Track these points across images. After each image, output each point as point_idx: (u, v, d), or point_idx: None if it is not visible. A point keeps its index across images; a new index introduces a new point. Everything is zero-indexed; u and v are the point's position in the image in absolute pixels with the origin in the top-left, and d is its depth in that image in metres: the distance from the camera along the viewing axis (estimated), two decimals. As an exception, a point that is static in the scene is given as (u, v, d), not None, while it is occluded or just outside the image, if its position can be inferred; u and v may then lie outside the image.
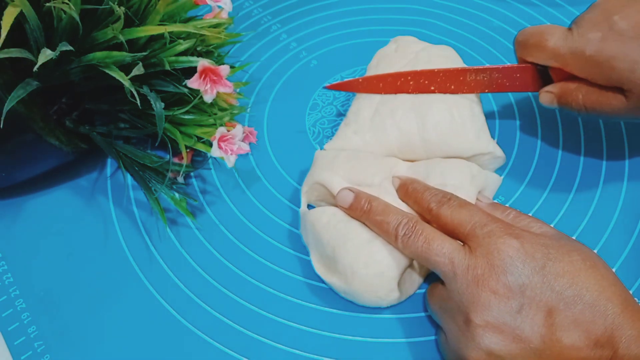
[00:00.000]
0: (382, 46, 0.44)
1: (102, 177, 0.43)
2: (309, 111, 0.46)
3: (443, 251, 0.31)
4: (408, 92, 0.40)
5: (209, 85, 0.34)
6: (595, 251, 0.32)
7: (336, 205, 0.37)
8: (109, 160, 0.44)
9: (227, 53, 0.45)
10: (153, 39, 0.36)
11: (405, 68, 0.41)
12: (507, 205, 0.39)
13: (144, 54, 0.34)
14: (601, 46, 0.34)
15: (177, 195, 0.39)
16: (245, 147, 0.36)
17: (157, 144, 0.38)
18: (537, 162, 0.42)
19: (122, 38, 0.33)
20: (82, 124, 0.40)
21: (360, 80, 0.41)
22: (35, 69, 0.30)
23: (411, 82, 0.40)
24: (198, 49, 0.38)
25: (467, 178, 0.36)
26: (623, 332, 0.28)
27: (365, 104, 0.40)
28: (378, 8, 0.53)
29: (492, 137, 0.40)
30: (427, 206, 0.34)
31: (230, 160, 0.36)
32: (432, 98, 0.40)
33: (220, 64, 0.34)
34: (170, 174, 0.38)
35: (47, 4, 0.31)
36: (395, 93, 0.40)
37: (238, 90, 0.42)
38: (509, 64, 0.40)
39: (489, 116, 0.44)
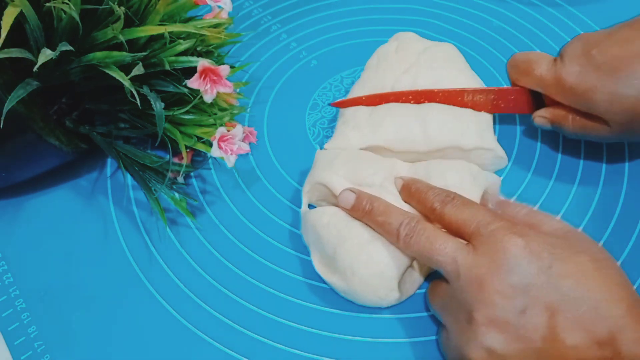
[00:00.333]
0: (381, 45, 0.44)
1: (102, 177, 0.43)
2: (309, 111, 0.46)
3: (446, 250, 0.31)
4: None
5: (209, 85, 0.34)
6: (605, 250, 0.32)
7: (337, 205, 0.37)
8: (109, 160, 0.44)
9: (227, 53, 0.45)
10: (153, 39, 0.36)
11: (406, 74, 0.41)
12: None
13: (144, 54, 0.34)
14: (580, 79, 0.36)
15: (177, 195, 0.39)
16: (245, 147, 0.36)
17: (157, 144, 0.38)
18: (536, 162, 0.42)
19: (122, 38, 0.33)
20: (82, 124, 0.40)
21: (364, 98, 0.42)
22: (35, 69, 0.30)
23: (412, 101, 0.41)
24: (198, 49, 0.38)
25: (468, 178, 0.36)
26: (626, 335, 0.28)
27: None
28: (378, 8, 0.53)
29: (492, 137, 0.40)
30: (430, 206, 0.34)
31: (230, 160, 0.36)
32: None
33: (220, 64, 0.34)
34: (170, 174, 0.38)
35: (47, 4, 0.31)
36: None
37: (238, 90, 0.42)
38: (505, 86, 0.41)
39: (489, 116, 0.44)
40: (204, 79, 0.34)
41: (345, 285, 0.35)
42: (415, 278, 0.36)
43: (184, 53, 0.36)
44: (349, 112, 0.41)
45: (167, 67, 0.35)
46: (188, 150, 0.38)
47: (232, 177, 0.43)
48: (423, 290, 0.37)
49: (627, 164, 0.42)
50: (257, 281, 0.38)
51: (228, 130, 0.36)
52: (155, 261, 0.39)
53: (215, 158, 0.37)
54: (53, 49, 0.31)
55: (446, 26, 0.51)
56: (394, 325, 0.36)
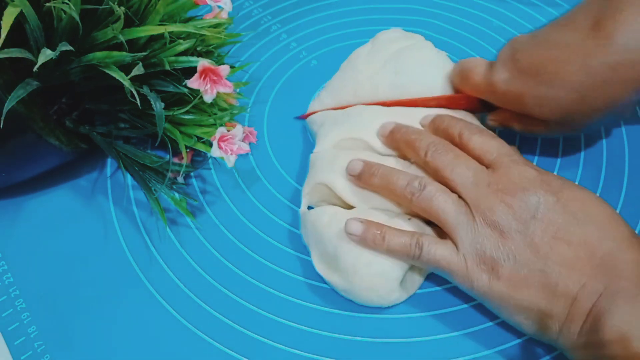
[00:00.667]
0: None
1: (102, 177, 0.43)
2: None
3: (468, 170, 0.34)
4: None
5: (209, 85, 0.34)
6: None
7: (337, 205, 0.37)
8: (109, 160, 0.44)
9: (227, 53, 0.45)
10: (153, 39, 0.36)
11: (369, 80, 0.41)
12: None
13: (144, 54, 0.34)
14: (509, 85, 0.36)
15: (177, 195, 0.39)
16: (245, 147, 0.36)
17: (157, 144, 0.38)
18: (536, 163, 0.42)
19: (122, 38, 0.33)
20: (82, 124, 0.40)
21: (330, 109, 0.43)
22: (35, 69, 0.30)
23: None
24: (198, 49, 0.38)
25: None
26: (625, 255, 0.30)
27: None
28: (378, 8, 0.53)
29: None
30: (459, 132, 0.36)
31: (230, 160, 0.36)
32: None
33: (220, 64, 0.34)
34: (170, 174, 0.38)
35: (47, 4, 0.31)
36: None
37: (238, 90, 0.42)
38: (451, 94, 0.41)
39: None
40: (204, 79, 0.34)
41: (346, 285, 0.35)
42: (416, 277, 0.36)
43: (184, 53, 0.36)
44: (318, 117, 0.42)
45: (167, 67, 0.35)
46: (188, 150, 0.38)
47: (232, 177, 0.43)
48: (424, 290, 0.37)
49: (626, 161, 0.42)
50: (257, 281, 0.38)
51: (228, 130, 0.36)
52: (155, 261, 0.39)
53: (215, 158, 0.37)
54: (53, 49, 0.31)
55: (446, 26, 0.51)
56: (394, 325, 0.36)
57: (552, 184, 0.33)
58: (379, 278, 0.34)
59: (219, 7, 0.39)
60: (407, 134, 0.37)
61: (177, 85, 0.36)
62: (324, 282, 0.37)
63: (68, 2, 0.31)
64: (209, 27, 0.38)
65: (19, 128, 0.36)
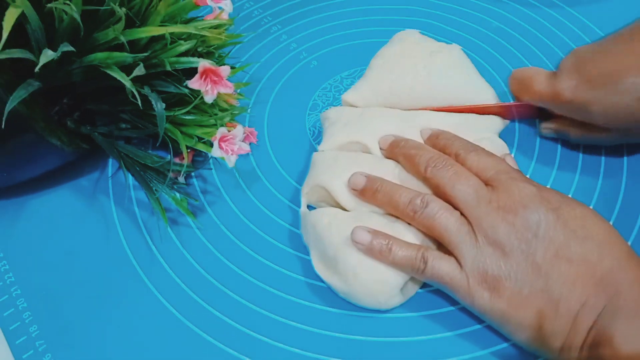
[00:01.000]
0: (382, 46, 0.44)
1: (103, 177, 0.43)
2: (309, 112, 0.46)
3: (469, 187, 0.34)
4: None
5: (209, 86, 0.34)
6: None
7: (337, 207, 0.37)
8: (110, 161, 0.44)
9: (228, 54, 0.45)
10: (154, 39, 0.36)
11: (419, 79, 0.41)
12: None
13: (145, 54, 0.34)
14: (576, 93, 0.37)
15: (178, 195, 0.39)
16: (246, 147, 0.37)
17: (158, 144, 0.38)
18: (536, 163, 0.42)
19: (123, 39, 0.33)
20: (83, 124, 0.40)
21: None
22: (36, 69, 0.31)
23: None
24: (199, 49, 0.38)
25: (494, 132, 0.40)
26: (626, 274, 0.30)
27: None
28: (378, 9, 0.53)
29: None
30: (456, 151, 0.37)
31: (230, 161, 0.36)
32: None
33: (220, 65, 0.35)
34: (171, 174, 0.39)
35: (49, 5, 0.31)
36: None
37: (238, 90, 0.42)
38: (509, 102, 0.42)
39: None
40: (205, 79, 0.34)
41: (345, 288, 0.35)
42: (415, 282, 0.36)
43: (185, 54, 0.36)
44: (332, 113, 0.42)
45: (168, 68, 0.35)
46: (189, 150, 0.39)
47: (233, 177, 0.43)
48: (424, 290, 0.37)
49: (625, 158, 0.42)
50: (257, 280, 0.38)
51: (229, 131, 0.36)
52: (156, 261, 0.39)
53: (216, 158, 0.37)
54: (54, 50, 0.31)
55: (446, 27, 0.52)
56: (395, 325, 0.36)
57: (552, 200, 0.33)
58: (380, 285, 0.34)
59: (219, 8, 0.39)
60: (406, 148, 0.37)
61: (178, 86, 0.36)
62: (324, 281, 0.37)
63: (69, 3, 0.31)
64: (210, 28, 0.38)
65: (20, 128, 0.36)
